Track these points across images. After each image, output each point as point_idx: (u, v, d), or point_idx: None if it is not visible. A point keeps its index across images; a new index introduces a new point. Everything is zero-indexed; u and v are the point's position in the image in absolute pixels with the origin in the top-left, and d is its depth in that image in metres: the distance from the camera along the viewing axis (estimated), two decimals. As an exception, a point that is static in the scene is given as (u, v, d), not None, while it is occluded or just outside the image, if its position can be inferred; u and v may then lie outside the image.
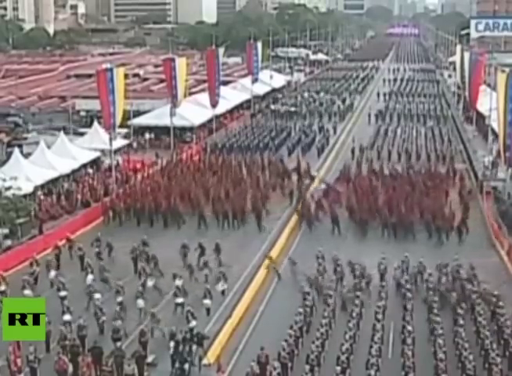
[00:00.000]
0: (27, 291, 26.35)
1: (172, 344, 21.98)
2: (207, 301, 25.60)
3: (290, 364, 21.37)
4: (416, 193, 38.43)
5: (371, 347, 21.52)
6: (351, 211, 36.47)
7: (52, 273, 28.49)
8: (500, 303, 24.74)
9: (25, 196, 35.42)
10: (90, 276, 27.99)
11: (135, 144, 53.46)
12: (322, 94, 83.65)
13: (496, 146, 47.62)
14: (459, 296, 25.95)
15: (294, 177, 43.67)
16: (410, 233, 34.42)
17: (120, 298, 25.58)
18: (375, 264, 28.80)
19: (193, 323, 23.43)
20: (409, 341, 22.01)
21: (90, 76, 72.49)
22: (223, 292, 27.08)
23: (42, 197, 38.17)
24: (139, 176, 43.79)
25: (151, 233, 34.37)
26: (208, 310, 25.56)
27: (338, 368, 20.55)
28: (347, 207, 37.04)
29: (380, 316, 23.80)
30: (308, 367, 20.53)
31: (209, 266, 28.83)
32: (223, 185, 40.46)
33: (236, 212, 36.15)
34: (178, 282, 26.62)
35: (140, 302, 25.38)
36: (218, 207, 36.75)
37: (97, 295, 25.87)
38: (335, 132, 62.21)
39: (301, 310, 24.30)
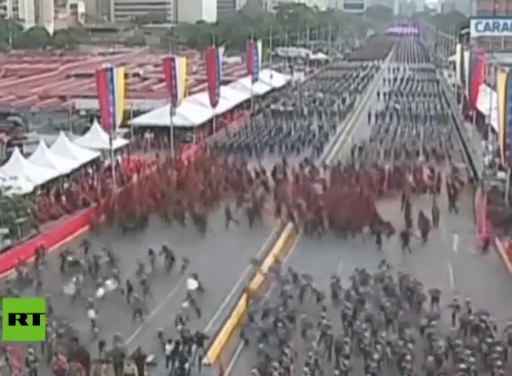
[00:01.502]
0: None
1: (168, 346, 21.91)
2: (185, 305, 25.24)
3: (292, 367, 21.16)
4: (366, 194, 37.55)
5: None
6: (298, 211, 36.02)
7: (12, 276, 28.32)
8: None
9: (24, 196, 35.34)
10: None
11: (130, 147, 52.99)
12: (320, 94, 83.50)
13: (494, 145, 47.89)
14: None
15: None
16: (358, 235, 33.88)
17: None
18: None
19: (179, 327, 23.31)
20: (408, 345, 21.85)
21: (90, 76, 72.42)
22: (199, 289, 26.64)
23: (40, 198, 37.85)
24: (135, 178, 43.26)
25: (138, 236, 34.20)
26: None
27: (337, 372, 20.46)
28: (293, 207, 36.49)
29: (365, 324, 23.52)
30: (307, 369, 20.50)
31: (144, 272, 28.13)
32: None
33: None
34: (101, 291, 26.21)
35: (91, 313, 24.60)
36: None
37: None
38: (334, 132, 62.16)
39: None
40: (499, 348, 21.60)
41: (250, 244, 33.18)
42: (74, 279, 27.36)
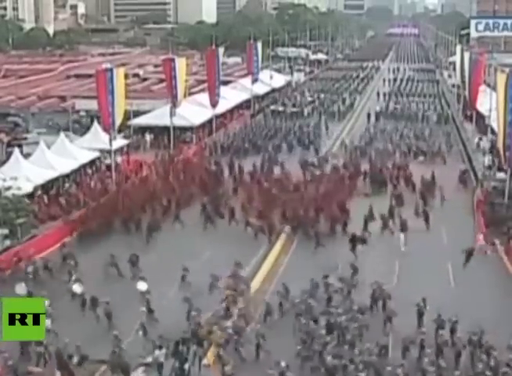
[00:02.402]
0: None
1: (157, 351, 21.65)
2: (143, 309, 24.98)
3: None
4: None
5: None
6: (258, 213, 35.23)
7: None
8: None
9: (23, 196, 35.26)
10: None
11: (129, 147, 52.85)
12: (320, 94, 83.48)
13: (485, 144, 48.03)
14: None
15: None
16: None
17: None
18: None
19: (140, 333, 23.30)
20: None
21: (90, 76, 72.32)
22: (147, 292, 26.34)
23: (37, 199, 37.70)
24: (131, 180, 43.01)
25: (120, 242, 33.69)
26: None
27: None
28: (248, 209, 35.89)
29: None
30: None
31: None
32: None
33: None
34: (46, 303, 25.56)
35: (47, 322, 23.62)
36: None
37: None
38: (332, 132, 62.04)
39: None
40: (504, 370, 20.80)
41: (247, 248, 32.93)
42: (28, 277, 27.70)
